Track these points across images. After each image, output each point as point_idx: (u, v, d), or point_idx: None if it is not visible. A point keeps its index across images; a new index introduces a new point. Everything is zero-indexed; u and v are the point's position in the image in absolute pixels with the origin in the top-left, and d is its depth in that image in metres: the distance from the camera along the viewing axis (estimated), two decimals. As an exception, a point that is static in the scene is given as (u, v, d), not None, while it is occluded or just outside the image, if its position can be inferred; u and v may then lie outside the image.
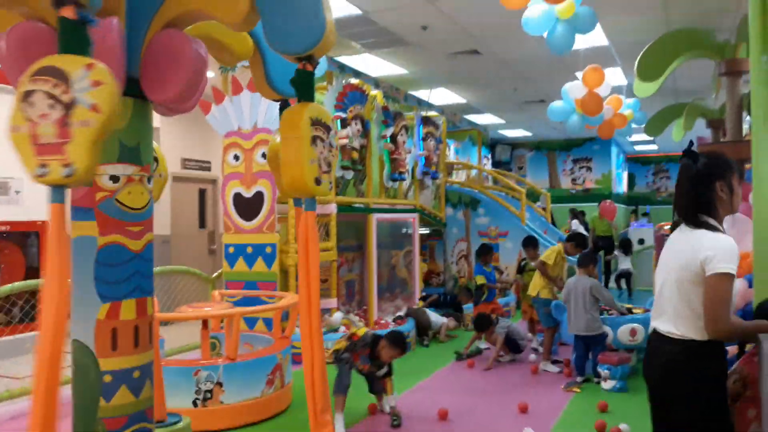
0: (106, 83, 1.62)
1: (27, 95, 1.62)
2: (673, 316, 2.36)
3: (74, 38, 1.66)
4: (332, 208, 6.82)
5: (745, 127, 5.94)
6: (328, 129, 2.15)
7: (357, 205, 7.46)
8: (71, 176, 1.60)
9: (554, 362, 6.21)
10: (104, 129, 1.62)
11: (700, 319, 2.27)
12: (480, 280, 7.29)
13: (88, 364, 1.93)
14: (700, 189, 2.39)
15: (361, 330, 4.96)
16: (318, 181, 2.09)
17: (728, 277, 2.23)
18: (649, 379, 2.51)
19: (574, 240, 6.51)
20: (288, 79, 2.18)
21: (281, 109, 2.41)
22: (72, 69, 1.61)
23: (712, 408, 2.32)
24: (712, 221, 2.35)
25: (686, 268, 2.31)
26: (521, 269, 7.80)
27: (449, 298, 8.91)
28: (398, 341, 4.64)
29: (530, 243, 7.22)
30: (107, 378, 1.93)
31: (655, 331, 2.49)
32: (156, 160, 2.71)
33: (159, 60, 1.96)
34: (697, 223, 2.36)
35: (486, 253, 7.38)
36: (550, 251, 6.46)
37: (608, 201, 14.15)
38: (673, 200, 2.49)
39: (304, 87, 2.13)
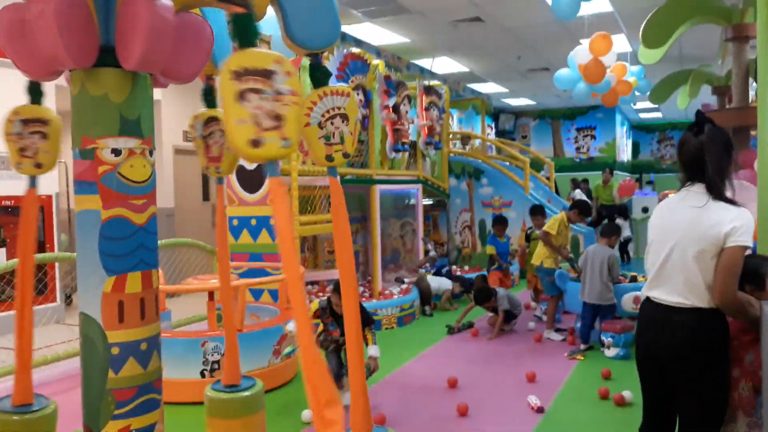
0: None
1: None
2: (682, 285, 2.34)
3: None
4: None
5: (752, 93, 5.87)
6: (268, 74, 1.69)
7: (351, 177, 7.41)
8: None
9: (558, 330, 6.26)
10: None
11: (708, 290, 2.29)
12: (490, 250, 7.42)
13: (96, 337, 1.95)
14: (729, 157, 2.38)
15: (314, 304, 4.73)
16: (256, 143, 1.68)
17: (745, 250, 2.26)
18: (660, 351, 2.44)
19: (578, 207, 6.50)
20: (311, 30, 1.98)
21: (311, 67, 2.18)
22: None
23: (724, 373, 2.37)
24: (726, 193, 2.35)
25: (706, 240, 2.28)
26: (528, 237, 7.86)
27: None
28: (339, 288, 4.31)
29: (537, 211, 7.23)
30: (115, 350, 1.95)
31: (653, 302, 2.45)
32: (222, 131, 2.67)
33: (123, 27, 1.88)
34: (720, 195, 2.33)
35: (501, 224, 7.50)
36: (552, 221, 6.42)
37: (627, 178, 14.21)
38: (703, 169, 2.35)
39: (239, 35, 1.75)
